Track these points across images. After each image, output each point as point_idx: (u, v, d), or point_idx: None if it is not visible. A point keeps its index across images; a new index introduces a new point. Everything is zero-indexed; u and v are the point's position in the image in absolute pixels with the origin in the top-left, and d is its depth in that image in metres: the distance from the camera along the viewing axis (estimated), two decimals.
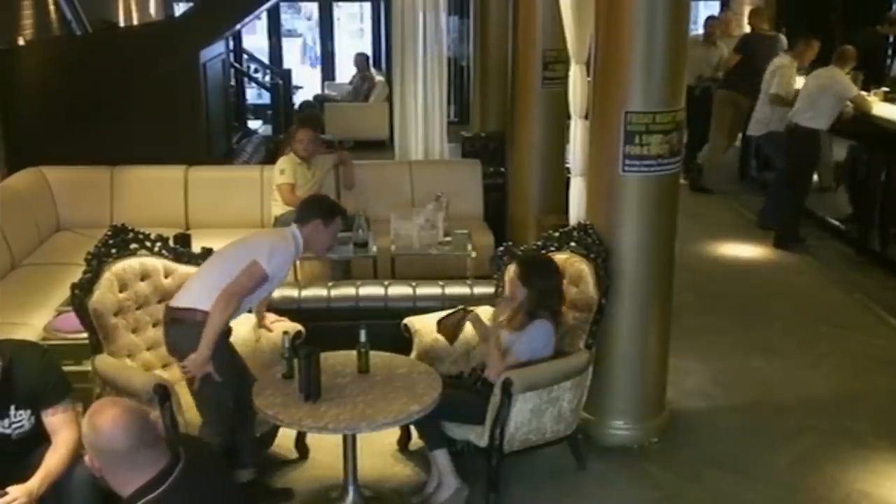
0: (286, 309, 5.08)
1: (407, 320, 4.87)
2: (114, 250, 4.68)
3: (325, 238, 4.42)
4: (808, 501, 4.55)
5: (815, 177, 9.03)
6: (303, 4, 19.30)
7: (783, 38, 9.88)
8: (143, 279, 4.72)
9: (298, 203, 6.78)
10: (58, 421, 3.56)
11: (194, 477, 2.76)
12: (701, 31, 10.93)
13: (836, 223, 8.66)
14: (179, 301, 4.20)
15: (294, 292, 5.30)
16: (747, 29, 10.49)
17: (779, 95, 8.48)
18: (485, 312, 4.65)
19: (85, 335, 4.61)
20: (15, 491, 3.34)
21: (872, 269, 7.71)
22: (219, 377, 4.11)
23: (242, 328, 4.84)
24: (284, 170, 6.94)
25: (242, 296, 4.13)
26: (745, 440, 5.08)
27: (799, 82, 8.53)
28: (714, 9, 14.92)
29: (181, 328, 4.15)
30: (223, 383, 4.15)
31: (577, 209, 5.76)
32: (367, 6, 16.70)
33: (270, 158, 9.02)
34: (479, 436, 4.32)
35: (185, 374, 4.16)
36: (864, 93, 8.21)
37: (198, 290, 4.17)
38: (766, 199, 9.01)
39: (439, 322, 4.68)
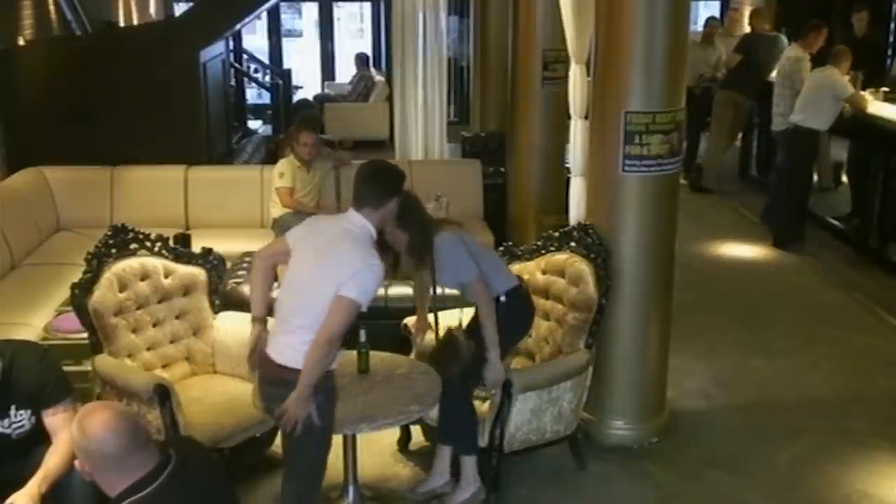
0: None
1: (407, 320, 4.87)
2: (114, 250, 4.68)
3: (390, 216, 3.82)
4: (808, 501, 4.55)
5: (815, 177, 9.03)
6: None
7: (784, 38, 9.87)
8: (143, 279, 4.72)
9: (294, 204, 6.87)
10: (58, 421, 3.56)
11: (185, 479, 2.76)
12: (700, 31, 10.93)
13: (836, 223, 8.66)
14: (286, 358, 3.58)
15: None
16: (748, 29, 10.49)
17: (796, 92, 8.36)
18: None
19: (85, 335, 4.61)
20: (18, 499, 3.33)
21: (872, 268, 7.71)
22: (319, 420, 3.59)
23: (242, 327, 4.83)
24: (283, 173, 6.94)
25: (341, 335, 3.52)
26: (745, 440, 5.08)
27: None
28: (714, 9, 14.92)
29: (290, 391, 3.54)
30: (325, 431, 3.69)
31: (577, 209, 5.76)
32: (367, 6, 16.70)
33: (270, 158, 9.03)
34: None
35: (285, 420, 3.56)
36: (863, 92, 8.20)
37: (299, 344, 3.54)
38: (770, 196, 9.02)
39: (434, 359, 4.40)
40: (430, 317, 4.47)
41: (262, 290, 3.88)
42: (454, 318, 4.50)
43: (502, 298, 4.27)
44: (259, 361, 3.75)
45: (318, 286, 3.50)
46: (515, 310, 4.34)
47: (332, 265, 3.51)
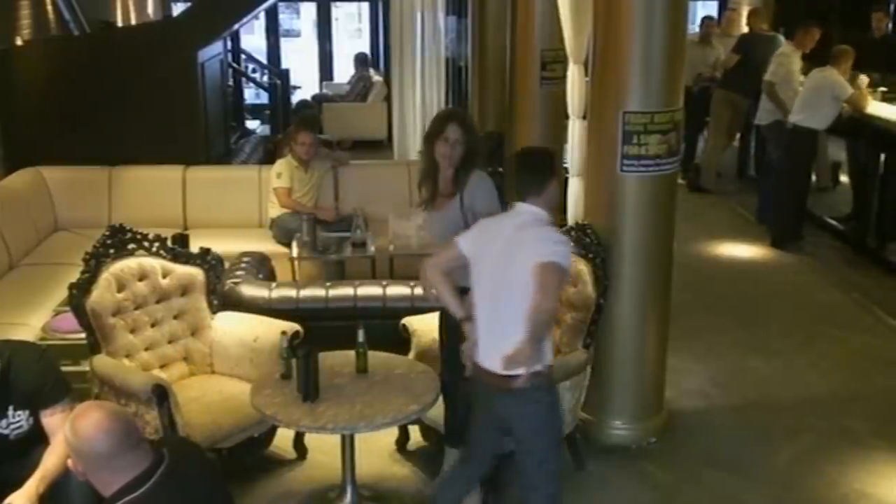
0: (284, 309, 5.07)
1: (405, 320, 4.87)
2: (112, 250, 4.67)
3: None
4: (806, 501, 4.55)
5: (813, 176, 9.04)
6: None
7: (782, 38, 9.88)
8: (141, 279, 4.72)
9: (292, 204, 6.88)
10: (56, 421, 3.55)
11: (178, 479, 2.76)
12: (697, 31, 10.94)
13: (834, 223, 8.67)
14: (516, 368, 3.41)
15: (292, 292, 5.29)
16: (745, 29, 10.49)
17: (770, 83, 8.46)
18: None
19: (83, 335, 4.60)
20: (16, 500, 3.33)
21: (870, 268, 7.72)
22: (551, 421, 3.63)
23: (240, 327, 4.84)
24: (281, 174, 6.95)
25: (556, 300, 3.46)
26: (743, 440, 5.08)
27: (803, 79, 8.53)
28: (712, 9, 14.92)
29: (518, 400, 3.51)
30: (560, 432, 3.80)
31: (575, 209, 5.77)
32: (365, 6, 16.71)
33: (269, 158, 9.03)
34: None
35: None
36: (868, 89, 8.21)
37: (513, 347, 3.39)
38: (760, 195, 9.05)
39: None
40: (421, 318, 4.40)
41: (452, 293, 3.75)
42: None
43: None
44: (479, 382, 3.64)
45: (521, 282, 3.41)
46: None
47: (525, 255, 3.44)
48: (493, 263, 3.53)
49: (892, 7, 10.50)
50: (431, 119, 4.30)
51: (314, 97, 13.91)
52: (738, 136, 10.65)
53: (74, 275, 4.65)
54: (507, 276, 3.47)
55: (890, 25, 9.72)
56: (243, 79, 13.67)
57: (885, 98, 8.42)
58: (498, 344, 3.46)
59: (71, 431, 2.74)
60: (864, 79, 8.21)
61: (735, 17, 11.46)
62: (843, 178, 9.44)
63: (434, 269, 3.75)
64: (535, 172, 3.66)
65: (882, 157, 7.91)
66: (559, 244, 3.49)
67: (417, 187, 4.26)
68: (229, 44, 11.89)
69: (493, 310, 3.54)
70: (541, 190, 3.61)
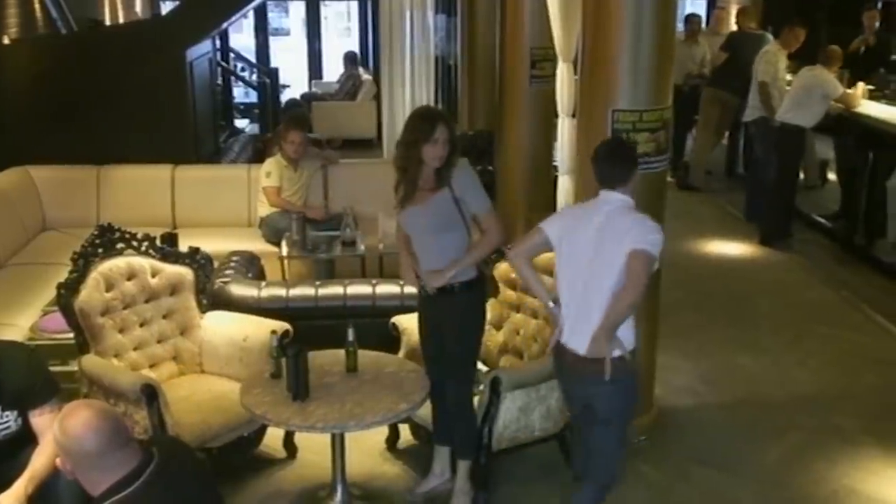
0: (274, 308, 5.06)
1: (395, 319, 4.87)
2: (100, 250, 4.66)
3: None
4: (795, 498, 4.57)
5: (801, 174, 9.08)
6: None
7: (770, 37, 9.91)
8: (129, 279, 4.70)
9: (281, 203, 6.87)
10: (45, 421, 3.54)
11: (168, 478, 2.75)
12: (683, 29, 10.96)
13: (823, 220, 8.70)
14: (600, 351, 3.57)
15: (282, 291, 5.29)
16: (734, 27, 10.52)
17: (764, 83, 8.49)
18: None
19: (71, 335, 4.59)
20: (4, 500, 3.32)
21: (859, 266, 7.75)
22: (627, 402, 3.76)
23: (229, 326, 4.83)
24: (270, 172, 6.94)
25: (645, 288, 3.55)
26: (733, 437, 5.10)
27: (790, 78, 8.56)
28: (700, 7, 14.95)
29: (606, 383, 3.62)
30: (629, 418, 3.90)
31: (564, 207, 5.76)
32: (355, 5, 16.71)
33: (258, 157, 9.01)
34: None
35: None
36: (861, 83, 8.24)
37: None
38: (748, 192, 9.08)
39: None
40: None
41: (537, 279, 3.94)
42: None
43: None
44: (564, 361, 3.76)
45: (614, 268, 3.54)
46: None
47: (620, 241, 3.56)
48: (585, 249, 3.64)
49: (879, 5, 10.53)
50: (411, 120, 4.17)
51: (303, 96, 13.90)
52: (726, 134, 10.68)
53: (63, 274, 4.64)
54: (601, 262, 3.59)
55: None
56: (232, 77, 13.64)
57: (872, 96, 8.46)
58: (584, 327, 3.60)
59: (60, 430, 2.73)
60: (860, 84, 8.26)
61: (724, 15, 11.49)
62: (831, 176, 9.48)
63: (520, 257, 3.89)
64: (623, 162, 3.80)
65: (870, 155, 7.95)
66: (655, 232, 3.61)
67: (395, 188, 4.19)
68: (218, 42, 11.86)
69: (583, 294, 3.64)
70: (628, 178, 3.75)
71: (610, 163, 3.79)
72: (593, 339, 3.55)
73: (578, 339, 3.63)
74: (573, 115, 5.56)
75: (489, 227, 4.15)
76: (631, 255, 3.50)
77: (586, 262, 3.63)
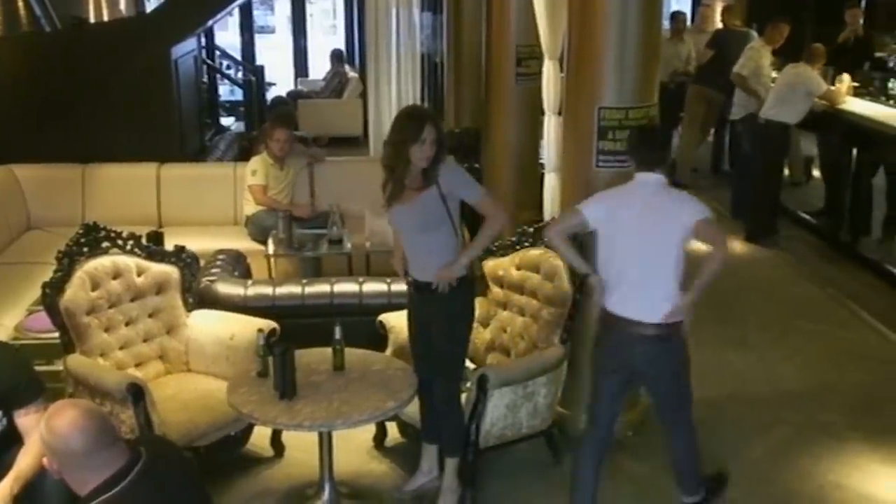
0: (261, 306, 5.05)
1: (382, 317, 4.86)
2: (85, 249, 4.64)
3: None
4: (781, 493, 4.59)
5: (787, 171, 9.11)
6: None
7: (754, 34, 9.94)
8: (115, 278, 4.69)
9: (267, 201, 6.85)
10: (30, 421, 3.52)
11: (155, 477, 2.74)
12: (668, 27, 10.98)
13: (808, 217, 8.74)
14: (654, 316, 3.94)
15: (268, 290, 5.27)
16: (719, 25, 10.55)
17: (740, 75, 8.52)
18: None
19: (56, 335, 4.57)
20: None
21: (845, 262, 7.79)
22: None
23: (216, 325, 4.82)
24: (256, 171, 6.93)
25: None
26: (719, 433, 5.11)
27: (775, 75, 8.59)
28: (685, 5, 14.98)
29: (665, 344, 4.03)
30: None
31: (551, 204, 5.77)
32: (340, 2, 16.69)
33: (244, 155, 8.97)
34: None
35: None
36: (846, 75, 8.28)
37: (660, 301, 3.93)
38: (734, 190, 9.10)
39: None
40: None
41: (576, 253, 4.20)
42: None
43: None
44: (616, 327, 4.05)
45: (664, 243, 3.91)
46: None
47: (673, 216, 3.93)
48: (634, 225, 3.94)
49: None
50: (398, 120, 4.14)
51: (289, 94, 13.86)
52: (712, 131, 10.70)
53: (48, 274, 4.61)
54: (657, 240, 3.91)
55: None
56: (218, 75, 13.59)
57: (857, 93, 8.50)
58: (640, 295, 3.95)
59: (46, 429, 2.72)
60: (846, 77, 8.29)
61: (709, 13, 11.52)
62: (816, 173, 9.52)
63: (559, 235, 4.14)
64: (661, 146, 4.19)
65: (854, 151, 7.99)
66: (699, 202, 4.01)
67: (382, 187, 4.18)
68: (203, 40, 11.81)
69: (639, 269, 3.95)
70: (665, 160, 4.10)
71: (649, 147, 4.08)
72: (676, 307, 3.92)
73: (633, 307, 3.96)
74: (559, 113, 5.56)
75: (489, 210, 4.17)
76: (698, 226, 3.87)
77: (637, 239, 3.93)
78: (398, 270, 4.51)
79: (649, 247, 3.92)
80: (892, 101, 8.09)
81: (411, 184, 4.09)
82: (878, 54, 9.58)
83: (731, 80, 8.68)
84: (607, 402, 4.20)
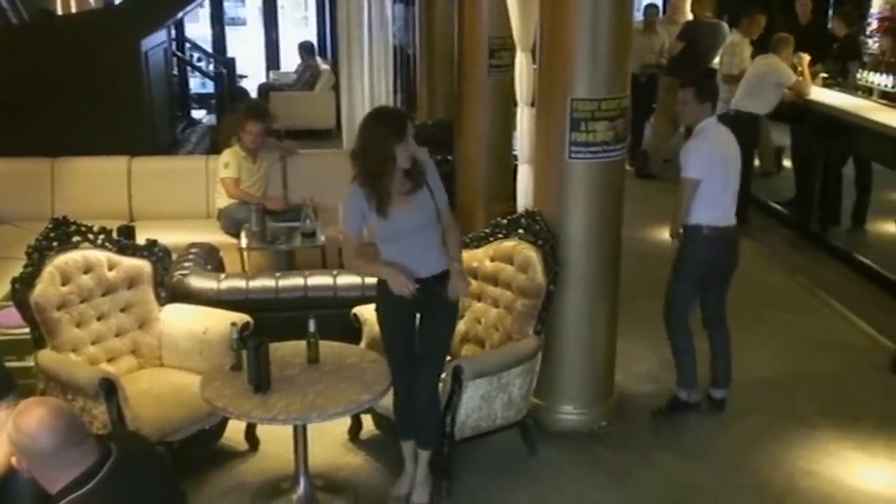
0: (234, 300, 5.03)
1: (356, 310, 4.86)
2: (55, 243, 4.60)
3: None
4: (753, 481, 4.63)
5: (757, 161, 9.17)
6: None
7: (725, 26, 10.00)
8: (86, 272, 4.65)
9: (240, 194, 6.82)
10: (1, 418, 3.49)
11: (126, 474, 2.72)
12: (641, 18, 11.01)
13: (779, 207, 8.81)
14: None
15: (242, 283, 5.25)
16: (690, 16, 10.60)
17: (732, 76, 8.56)
18: None
19: (27, 330, 4.53)
20: None
21: (815, 252, 7.86)
22: None
23: (189, 319, 4.79)
24: (229, 163, 6.89)
25: None
26: (692, 422, 5.16)
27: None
28: None
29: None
30: None
31: (524, 196, 5.78)
32: None
33: (215, 148, 8.91)
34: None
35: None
36: (805, 55, 8.33)
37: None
38: None
39: None
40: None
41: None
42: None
43: None
44: (727, 237, 5.15)
45: (739, 161, 5.19)
46: None
47: (735, 145, 5.15)
48: (725, 154, 5.09)
49: None
50: (377, 122, 3.98)
51: (261, 86, 13.78)
52: None
53: (17, 269, 4.57)
54: (736, 158, 5.13)
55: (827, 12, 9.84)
56: (188, 68, 13.49)
57: (826, 84, 8.57)
58: (732, 206, 5.14)
59: (14, 429, 2.69)
60: (804, 56, 8.31)
61: (680, 4, 11.56)
62: (787, 163, 9.59)
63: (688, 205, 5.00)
64: (715, 93, 5.37)
65: (824, 142, 8.05)
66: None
67: (368, 198, 3.99)
68: (173, 32, 11.72)
69: (732, 185, 5.11)
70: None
71: (709, 94, 5.20)
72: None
73: (731, 215, 5.09)
74: (532, 105, 5.57)
75: (450, 220, 4.19)
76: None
77: (729, 161, 5.06)
78: (407, 288, 3.99)
79: (735, 166, 5.12)
80: (859, 92, 8.16)
81: (400, 188, 4.03)
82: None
83: (724, 82, 8.67)
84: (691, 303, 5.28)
